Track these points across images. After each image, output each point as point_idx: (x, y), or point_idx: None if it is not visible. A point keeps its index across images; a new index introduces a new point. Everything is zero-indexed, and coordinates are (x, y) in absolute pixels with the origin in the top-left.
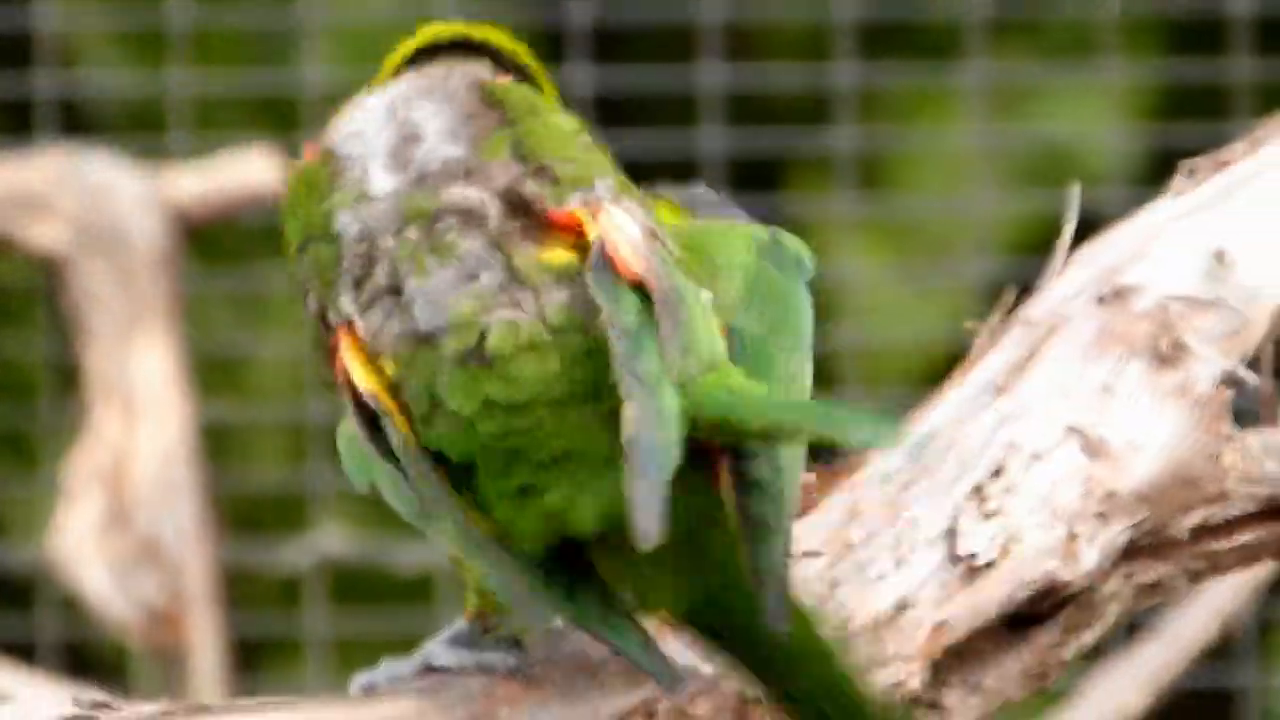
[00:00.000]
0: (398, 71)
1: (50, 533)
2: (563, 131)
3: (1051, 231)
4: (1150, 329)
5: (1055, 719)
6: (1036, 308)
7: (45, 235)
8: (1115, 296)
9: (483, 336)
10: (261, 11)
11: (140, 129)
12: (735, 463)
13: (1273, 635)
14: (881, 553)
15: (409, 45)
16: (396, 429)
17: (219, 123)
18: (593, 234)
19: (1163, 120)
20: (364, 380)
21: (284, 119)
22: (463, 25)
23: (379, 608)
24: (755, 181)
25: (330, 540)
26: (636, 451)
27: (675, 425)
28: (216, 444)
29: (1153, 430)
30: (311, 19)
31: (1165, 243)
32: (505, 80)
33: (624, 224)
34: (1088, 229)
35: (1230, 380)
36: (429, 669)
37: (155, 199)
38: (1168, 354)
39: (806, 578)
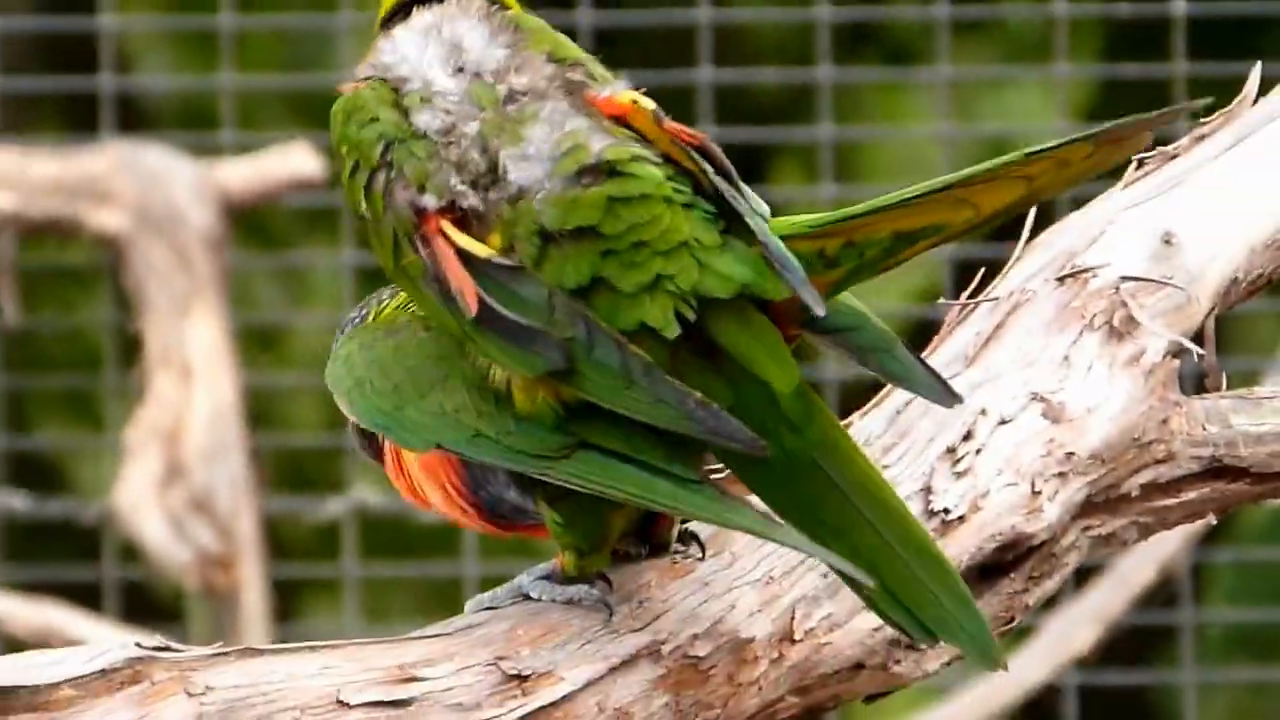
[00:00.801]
0: (391, 15)
1: (115, 487)
2: (569, 43)
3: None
4: (1105, 306)
5: (1015, 652)
6: (1002, 287)
7: (109, 219)
8: (1073, 277)
9: (594, 159)
10: (302, 16)
11: (193, 124)
12: None
13: (1206, 577)
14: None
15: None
16: (536, 278)
17: (263, 119)
18: (648, 110)
19: (1105, 115)
20: (479, 248)
21: (322, 116)
22: None
23: (406, 556)
24: (743, 172)
25: (363, 494)
26: (771, 251)
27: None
28: (261, 407)
29: (1108, 397)
30: (347, 22)
31: (1118, 228)
32: (511, 10)
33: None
34: (1038, 214)
35: (1177, 352)
36: (524, 597)
37: (207, 187)
38: (1121, 328)
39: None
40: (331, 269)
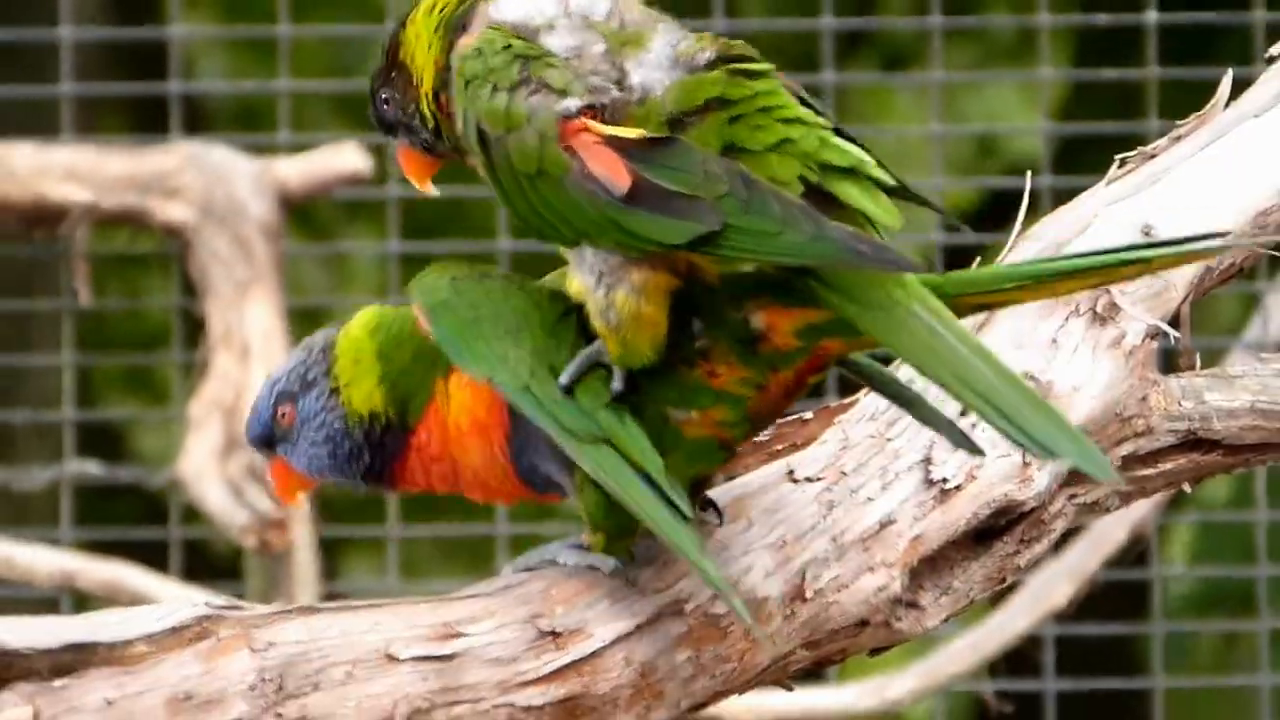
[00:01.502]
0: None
1: (179, 456)
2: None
3: (991, 206)
4: (1090, 292)
5: (1000, 607)
6: None
7: (176, 212)
8: None
9: (710, 53)
10: (351, 26)
11: (251, 125)
12: None
13: (1169, 538)
14: (870, 479)
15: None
16: (688, 143)
17: (315, 119)
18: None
19: (1081, 114)
20: (628, 131)
21: (359, 118)
22: None
23: (443, 517)
24: None
25: None
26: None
27: None
28: None
29: (1092, 376)
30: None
31: (1103, 221)
32: None
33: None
34: (1018, 203)
35: (1155, 334)
36: (551, 562)
37: (265, 182)
38: (1104, 313)
39: (807, 500)
40: (376, 257)
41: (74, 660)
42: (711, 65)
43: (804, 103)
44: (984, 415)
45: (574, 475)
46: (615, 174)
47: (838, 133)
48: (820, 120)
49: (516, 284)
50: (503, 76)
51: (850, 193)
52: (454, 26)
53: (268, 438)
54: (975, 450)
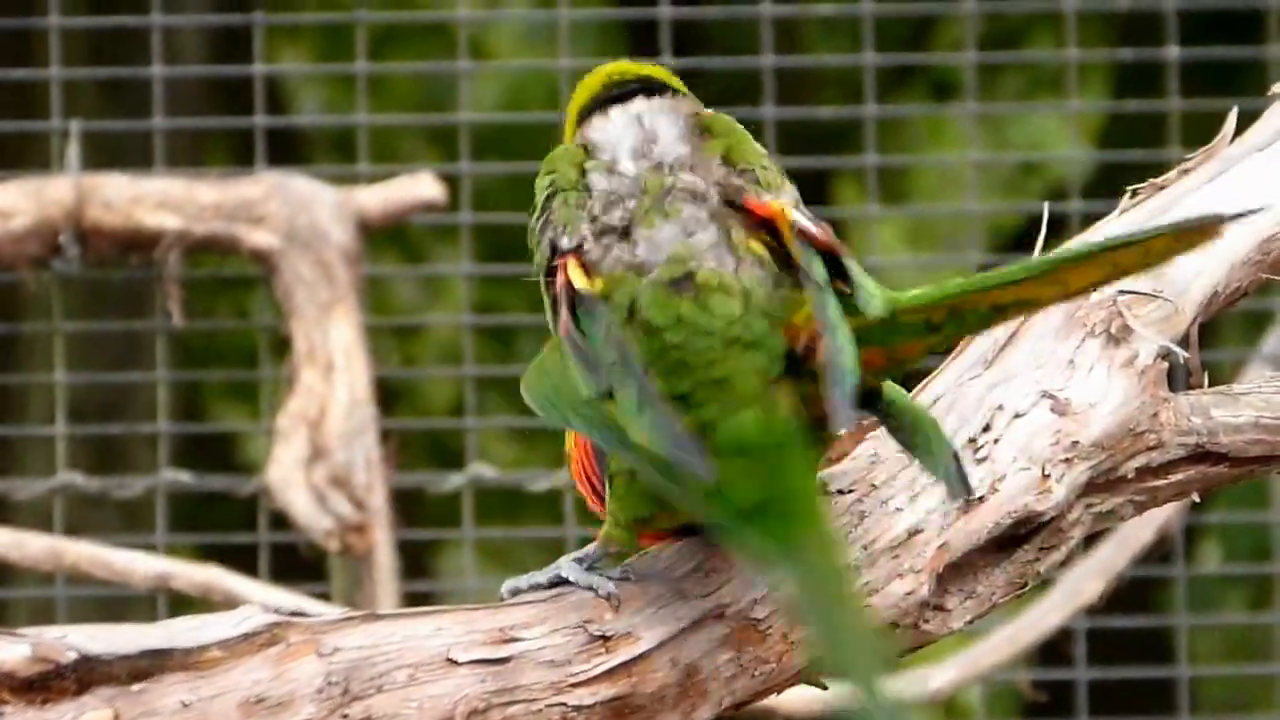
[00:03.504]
0: (587, 110)
1: (268, 465)
2: (756, 150)
3: (1029, 228)
4: (1105, 315)
5: (1035, 602)
6: None
7: (262, 237)
8: None
9: (692, 272)
10: (429, 62)
11: (334, 155)
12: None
13: (1196, 538)
14: (898, 490)
15: (592, 86)
16: (607, 311)
17: (395, 150)
18: (789, 219)
19: (1111, 143)
20: (583, 283)
21: (446, 148)
22: (635, 66)
23: (516, 521)
24: (806, 194)
25: (480, 470)
26: (832, 369)
27: (854, 353)
28: (392, 396)
29: (1107, 394)
30: (467, 67)
31: None
32: (711, 114)
33: (804, 217)
34: (1057, 226)
35: (1165, 355)
36: (559, 580)
37: (345, 209)
38: (1118, 335)
39: (840, 510)
40: (457, 277)
41: (151, 665)
42: (683, 287)
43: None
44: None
45: (606, 472)
46: (563, 317)
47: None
48: (754, 382)
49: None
50: (538, 199)
51: (731, 468)
52: (586, 109)
53: None
54: (964, 491)
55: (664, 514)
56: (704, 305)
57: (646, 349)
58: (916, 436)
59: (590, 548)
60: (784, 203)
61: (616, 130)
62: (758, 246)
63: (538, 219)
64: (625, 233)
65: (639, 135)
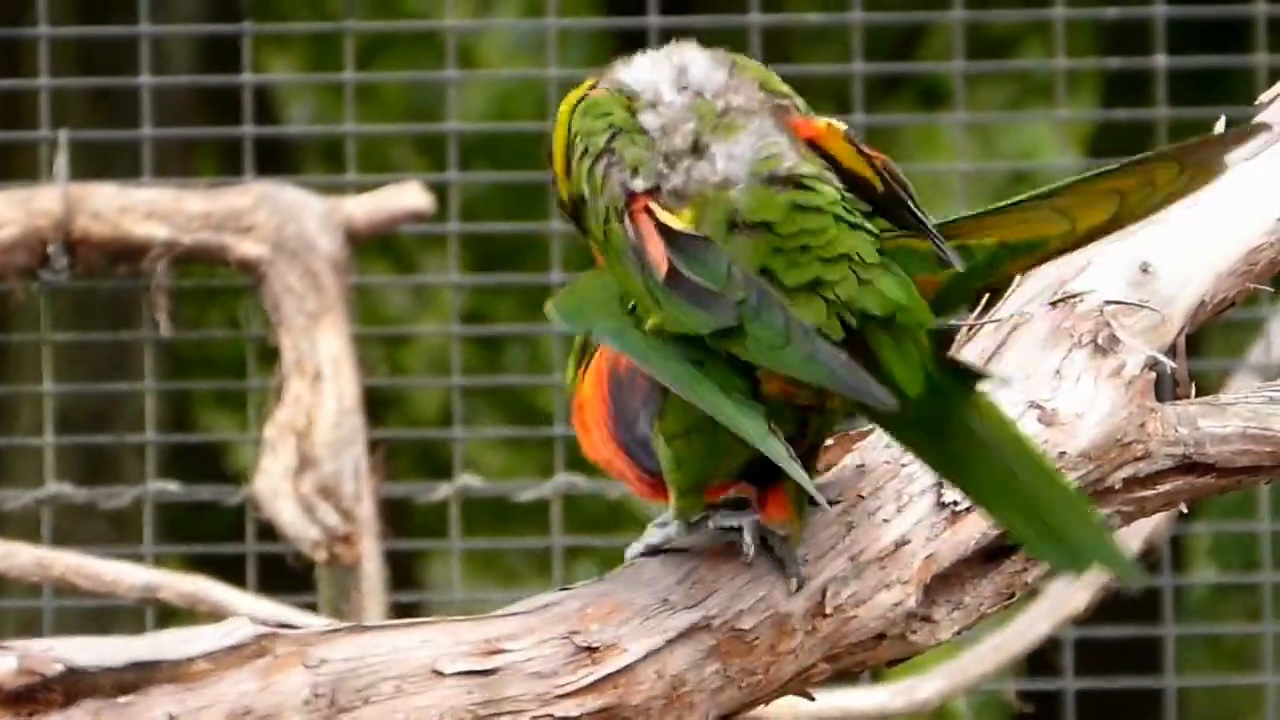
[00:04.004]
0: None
1: (256, 475)
2: (782, 83)
3: None
4: (1091, 326)
5: (1022, 611)
6: (1003, 309)
7: (250, 247)
8: (1064, 301)
9: (785, 169)
10: (415, 71)
11: (322, 164)
12: None
13: (1184, 548)
14: (886, 501)
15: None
16: (720, 249)
17: (384, 159)
18: (841, 130)
19: (1100, 151)
20: (677, 221)
21: (434, 157)
22: None
23: (504, 531)
24: None
25: (467, 480)
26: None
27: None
28: (380, 406)
29: (1094, 404)
30: (455, 76)
31: (1103, 259)
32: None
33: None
34: None
35: (1153, 365)
36: (652, 549)
37: (334, 219)
38: (1105, 345)
39: (828, 521)
40: (447, 286)
41: (138, 677)
42: (784, 181)
43: (884, 210)
44: (1018, 533)
45: (655, 432)
46: (658, 257)
47: (911, 217)
48: (871, 254)
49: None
50: (594, 142)
51: (882, 345)
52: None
53: None
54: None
55: (725, 466)
56: (811, 189)
57: (761, 251)
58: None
59: (666, 516)
60: (829, 120)
61: (646, 71)
62: (812, 157)
63: (596, 161)
64: (698, 152)
65: (672, 71)
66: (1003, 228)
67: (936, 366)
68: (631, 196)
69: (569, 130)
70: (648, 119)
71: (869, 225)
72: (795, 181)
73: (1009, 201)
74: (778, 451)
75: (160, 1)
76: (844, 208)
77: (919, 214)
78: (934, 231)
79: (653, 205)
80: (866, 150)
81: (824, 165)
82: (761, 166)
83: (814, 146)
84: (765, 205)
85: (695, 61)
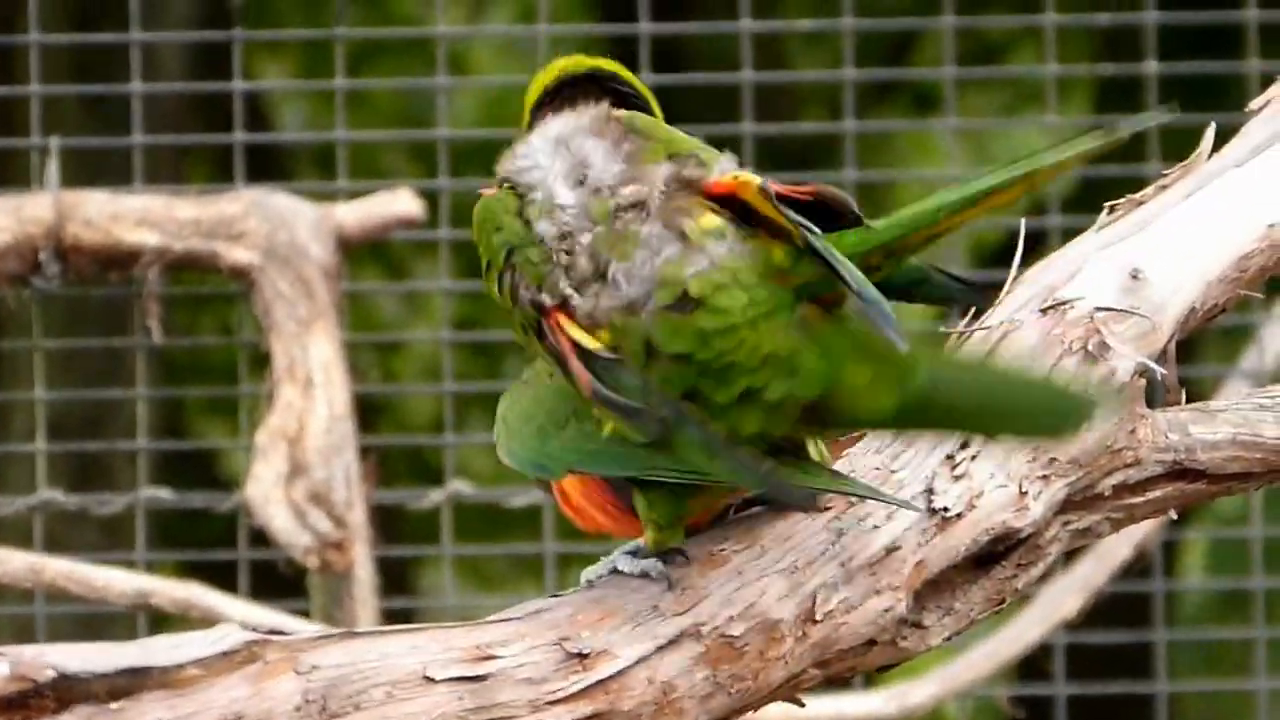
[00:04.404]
0: (539, 104)
1: (248, 481)
2: (681, 136)
3: (1007, 245)
4: (1082, 333)
5: (1013, 617)
6: (994, 316)
7: (242, 254)
8: (1054, 308)
9: (685, 290)
10: (406, 79)
11: (314, 170)
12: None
13: (1175, 554)
14: (876, 508)
15: (544, 80)
16: (634, 370)
17: (375, 166)
18: (754, 184)
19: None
20: (591, 341)
21: (426, 163)
22: (587, 60)
23: (496, 538)
24: None
25: (459, 486)
26: (872, 310)
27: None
28: (372, 412)
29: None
30: (445, 83)
31: (1093, 266)
32: (628, 113)
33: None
34: (1036, 240)
35: (1143, 372)
36: (615, 571)
37: (325, 226)
38: (1095, 352)
39: (818, 528)
40: (438, 293)
41: (129, 684)
42: (688, 304)
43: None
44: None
45: (632, 488)
46: (579, 375)
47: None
48: (791, 340)
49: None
50: (494, 258)
51: (842, 397)
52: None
53: None
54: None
55: (702, 504)
56: (714, 310)
57: (687, 376)
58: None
59: (640, 541)
60: (736, 173)
61: (543, 158)
62: (710, 221)
63: (501, 274)
64: (600, 273)
65: (569, 163)
66: (930, 230)
67: (902, 376)
68: (543, 312)
69: (477, 238)
70: (543, 227)
71: (780, 295)
72: (698, 303)
73: (928, 212)
74: (787, 495)
75: (152, 8)
76: (753, 303)
77: (844, 272)
78: (837, 268)
79: (564, 322)
80: (795, 190)
81: (720, 230)
82: (662, 293)
83: (730, 200)
84: (678, 336)
85: (593, 150)
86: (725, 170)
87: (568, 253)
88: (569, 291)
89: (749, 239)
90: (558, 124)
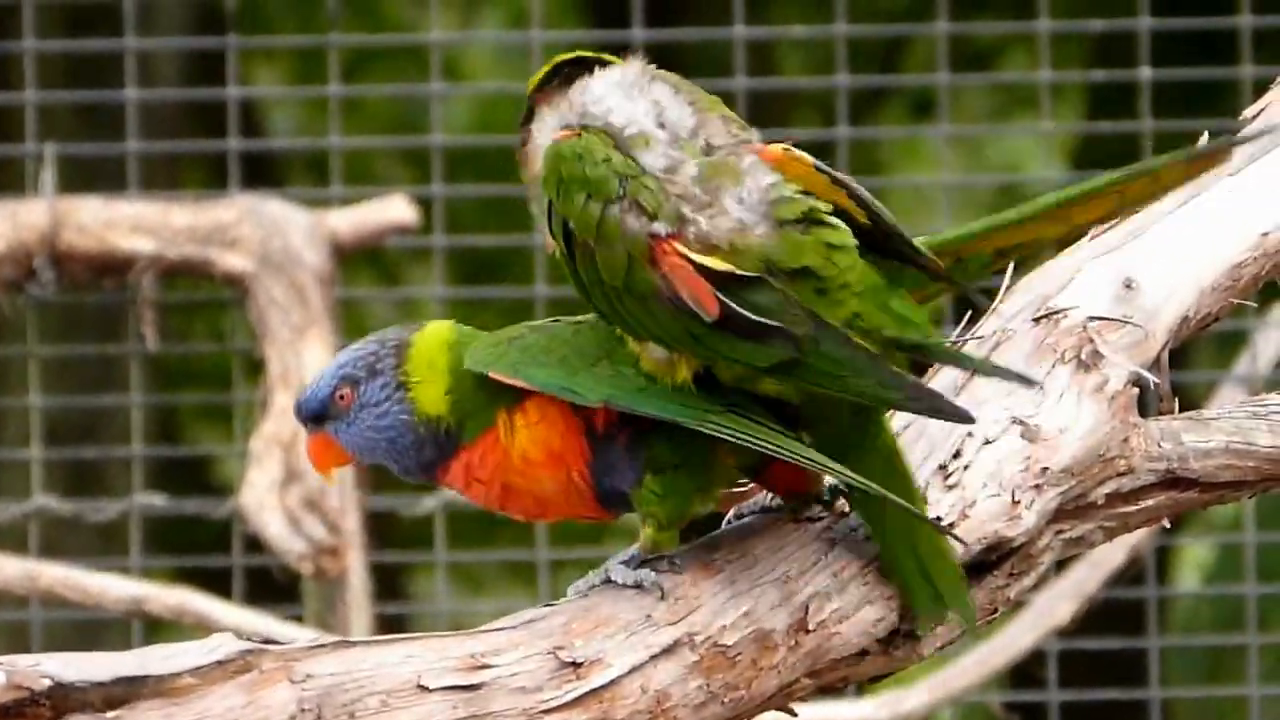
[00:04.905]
0: (540, 86)
1: (242, 488)
2: (721, 103)
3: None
4: (1075, 342)
5: (1007, 623)
6: (987, 325)
7: (236, 261)
8: (1048, 317)
9: (813, 206)
10: (400, 85)
11: (308, 177)
12: None
13: (1168, 560)
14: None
15: (546, 69)
16: (772, 286)
17: (369, 172)
18: (805, 157)
19: (1085, 163)
20: (720, 263)
21: (420, 169)
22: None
23: (488, 544)
24: None
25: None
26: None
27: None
28: None
29: (1077, 420)
30: (438, 90)
31: (1086, 275)
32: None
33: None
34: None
35: (1136, 381)
36: (607, 579)
37: (318, 232)
38: (1088, 361)
39: (810, 538)
40: (431, 298)
41: (125, 693)
42: (805, 223)
43: (870, 243)
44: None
45: (639, 482)
46: (705, 300)
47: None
48: (882, 280)
49: (569, 324)
50: (599, 189)
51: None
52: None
53: (320, 414)
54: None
55: (703, 502)
56: (832, 229)
57: (804, 293)
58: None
59: (634, 549)
60: (782, 145)
61: (620, 100)
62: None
63: (605, 208)
64: (711, 197)
65: (649, 107)
66: (1001, 239)
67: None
68: (655, 241)
69: (558, 179)
70: (648, 160)
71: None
72: (815, 220)
73: (1007, 218)
74: (859, 481)
75: (146, 15)
76: (855, 236)
77: (908, 242)
78: (924, 254)
79: (682, 249)
80: (840, 178)
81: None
82: (778, 210)
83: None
84: (801, 251)
85: (665, 98)
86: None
87: (678, 181)
88: (692, 215)
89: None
90: (613, 74)
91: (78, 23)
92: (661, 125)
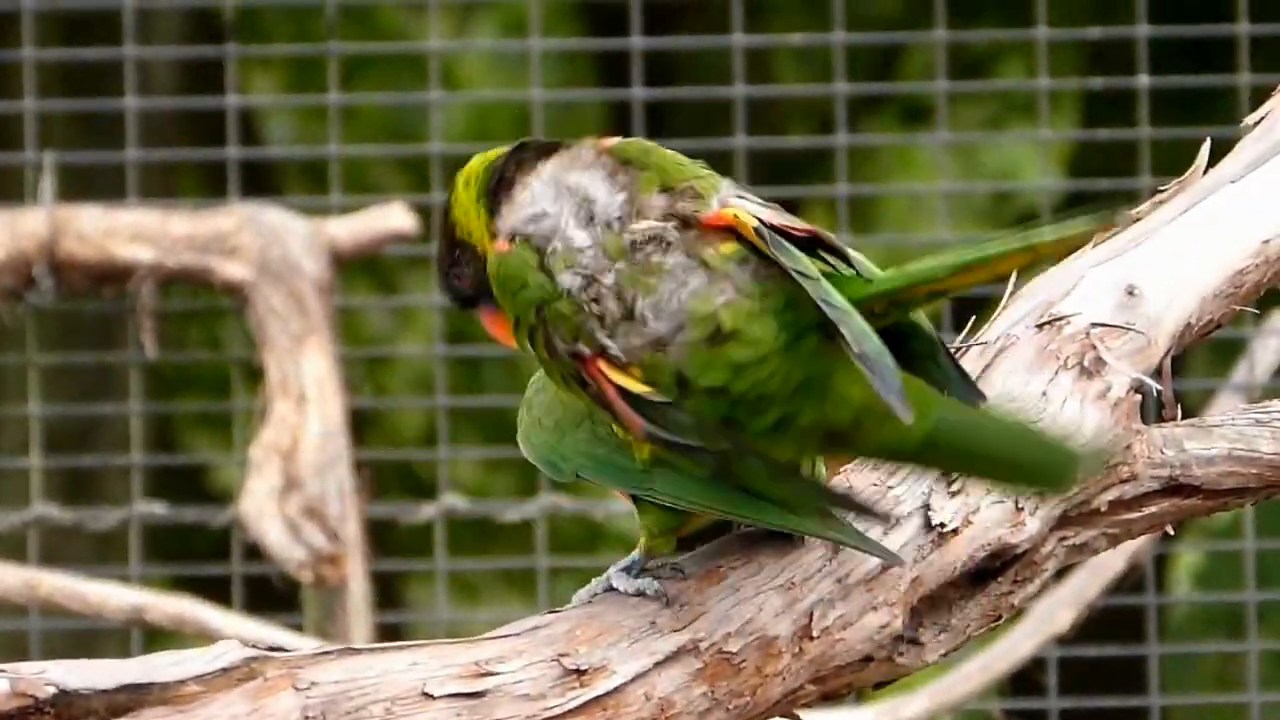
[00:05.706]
0: (491, 174)
1: (241, 496)
2: (678, 162)
3: None
4: (1077, 348)
5: (1006, 631)
6: (990, 332)
7: (235, 269)
8: (1050, 323)
9: (718, 324)
10: (397, 93)
11: (306, 185)
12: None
13: (1166, 566)
14: (873, 524)
15: (483, 162)
16: (684, 410)
17: (367, 180)
18: (750, 224)
19: (1082, 171)
20: (637, 386)
21: (418, 177)
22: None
23: (488, 552)
24: None
25: (453, 501)
26: (868, 363)
27: (873, 334)
28: (364, 427)
29: (1080, 426)
30: (437, 97)
31: (1089, 281)
32: (618, 141)
33: (753, 208)
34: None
35: (1138, 387)
36: (610, 589)
37: (318, 241)
38: (1091, 368)
39: (814, 543)
40: (430, 306)
41: (129, 700)
42: (720, 338)
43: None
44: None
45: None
46: (629, 420)
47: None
48: (821, 363)
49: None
50: (524, 315)
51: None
52: (490, 193)
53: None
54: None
55: (692, 521)
56: (746, 342)
57: (721, 408)
58: (924, 352)
59: (635, 555)
60: (735, 207)
61: (548, 204)
62: (729, 249)
63: (534, 329)
64: (629, 314)
65: (574, 204)
66: (933, 285)
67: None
68: (580, 360)
69: (502, 292)
70: (566, 280)
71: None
72: (731, 335)
73: (936, 270)
74: (845, 537)
75: (144, 24)
76: (782, 329)
77: (841, 321)
78: (863, 348)
79: (605, 368)
80: (793, 227)
81: (741, 257)
82: (694, 328)
83: (731, 231)
84: (711, 369)
85: (591, 184)
86: (725, 199)
87: (595, 300)
88: (605, 341)
89: (765, 271)
90: (551, 166)
91: (76, 32)
92: (590, 220)
